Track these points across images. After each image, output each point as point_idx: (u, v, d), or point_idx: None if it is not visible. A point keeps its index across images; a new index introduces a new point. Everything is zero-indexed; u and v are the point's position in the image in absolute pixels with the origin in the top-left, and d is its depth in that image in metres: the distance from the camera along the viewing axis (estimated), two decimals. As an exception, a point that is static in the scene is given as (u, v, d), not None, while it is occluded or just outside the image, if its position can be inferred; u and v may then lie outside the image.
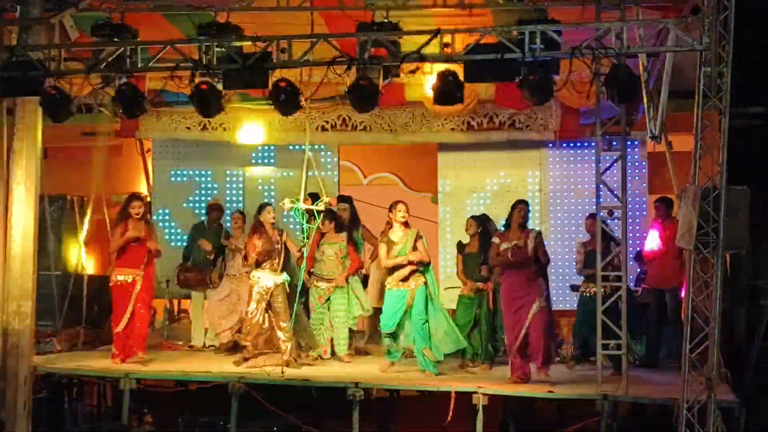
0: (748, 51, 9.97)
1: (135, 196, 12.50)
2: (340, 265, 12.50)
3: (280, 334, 11.84)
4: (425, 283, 11.61)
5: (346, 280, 12.56)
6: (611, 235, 11.05)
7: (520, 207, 11.28)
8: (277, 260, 11.94)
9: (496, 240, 11.31)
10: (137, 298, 11.99)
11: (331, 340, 12.54)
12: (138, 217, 12.05)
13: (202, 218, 14.13)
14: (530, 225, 11.67)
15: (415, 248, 11.53)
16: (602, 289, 11.33)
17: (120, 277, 12.01)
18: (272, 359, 11.80)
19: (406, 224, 11.66)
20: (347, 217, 13.02)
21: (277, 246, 11.95)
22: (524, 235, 11.16)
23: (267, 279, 11.90)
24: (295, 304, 11.97)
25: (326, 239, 12.53)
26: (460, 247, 12.54)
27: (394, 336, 11.73)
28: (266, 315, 11.88)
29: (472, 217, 12.60)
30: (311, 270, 12.53)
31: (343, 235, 12.59)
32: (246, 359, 11.91)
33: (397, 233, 11.64)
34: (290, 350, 11.81)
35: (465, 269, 12.32)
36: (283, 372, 11.25)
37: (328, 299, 12.51)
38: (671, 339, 12.12)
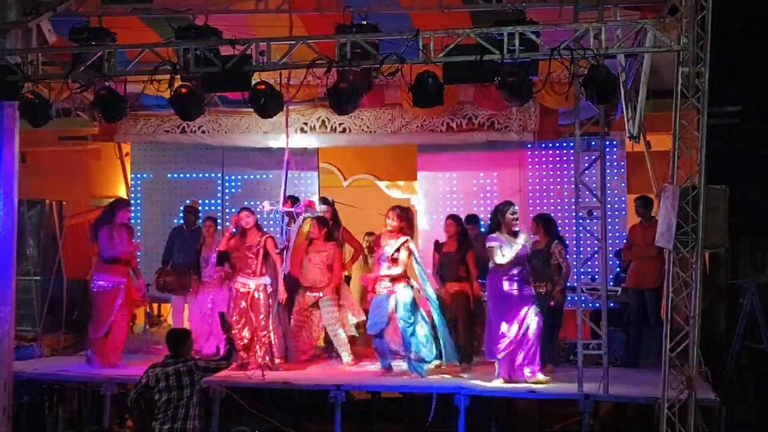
0: (725, 50, 10.01)
1: (123, 202, 12.60)
2: (326, 272, 12.23)
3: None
4: (410, 287, 11.47)
5: (337, 290, 12.37)
6: (555, 233, 11.74)
7: (513, 210, 10.98)
8: (254, 264, 11.81)
9: (494, 244, 10.92)
10: (120, 306, 11.93)
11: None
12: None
13: (180, 221, 14.09)
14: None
15: (396, 253, 11.39)
16: (543, 289, 11.41)
17: (101, 283, 11.97)
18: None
19: (400, 231, 11.44)
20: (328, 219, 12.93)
21: (251, 249, 11.81)
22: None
23: (247, 283, 11.82)
24: (275, 307, 11.93)
25: (314, 247, 12.31)
26: (438, 246, 12.51)
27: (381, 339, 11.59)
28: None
29: (451, 217, 12.55)
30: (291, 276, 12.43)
31: (332, 244, 12.35)
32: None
33: (385, 239, 11.54)
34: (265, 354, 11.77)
35: (441, 269, 12.32)
36: (263, 375, 11.21)
37: (315, 305, 12.27)
38: (651, 339, 12.17)
